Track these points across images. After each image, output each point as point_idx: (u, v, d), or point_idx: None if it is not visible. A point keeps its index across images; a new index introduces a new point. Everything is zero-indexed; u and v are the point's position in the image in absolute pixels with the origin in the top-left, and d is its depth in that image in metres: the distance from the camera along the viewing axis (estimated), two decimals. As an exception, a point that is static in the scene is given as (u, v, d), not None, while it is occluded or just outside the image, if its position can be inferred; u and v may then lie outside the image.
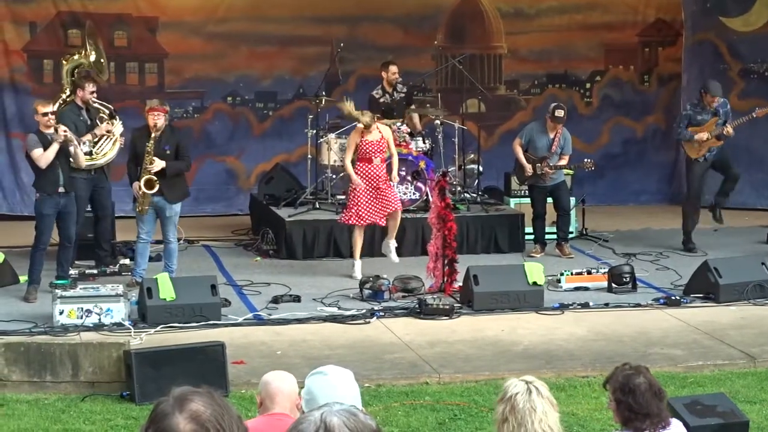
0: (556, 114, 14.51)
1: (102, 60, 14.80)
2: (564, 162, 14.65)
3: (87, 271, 13.46)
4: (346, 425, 3.07)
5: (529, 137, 14.72)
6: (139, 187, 12.64)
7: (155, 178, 12.63)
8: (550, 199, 14.83)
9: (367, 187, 13.36)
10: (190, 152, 13.21)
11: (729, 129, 14.83)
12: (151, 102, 13.02)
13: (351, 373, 4.84)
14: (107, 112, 13.85)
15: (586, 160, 14.89)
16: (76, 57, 14.60)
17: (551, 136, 14.58)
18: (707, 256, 14.03)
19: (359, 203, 13.35)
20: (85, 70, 14.35)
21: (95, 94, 13.71)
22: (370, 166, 13.40)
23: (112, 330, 11.28)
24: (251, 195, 16.68)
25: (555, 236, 14.82)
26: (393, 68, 15.58)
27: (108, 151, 13.58)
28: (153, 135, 12.65)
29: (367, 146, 13.39)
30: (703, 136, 14.81)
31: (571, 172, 15.23)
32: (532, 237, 14.86)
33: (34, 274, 12.62)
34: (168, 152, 12.74)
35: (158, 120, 12.70)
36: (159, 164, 12.67)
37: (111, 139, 13.60)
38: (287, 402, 5.65)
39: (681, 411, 8.07)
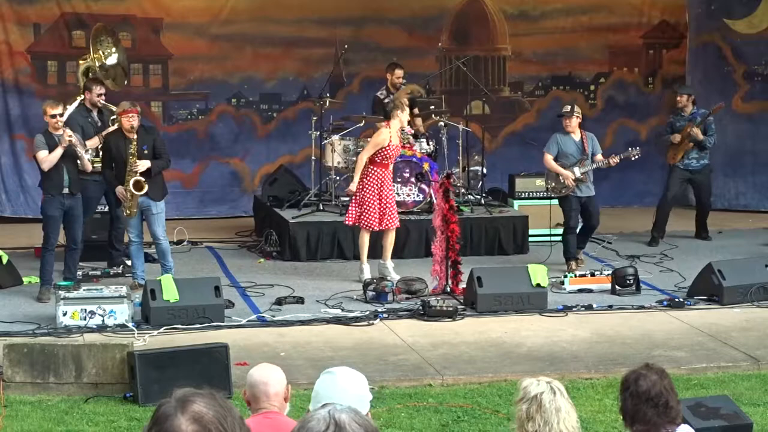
0: (563, 110, 14.13)
1: (122, 65, 14.76)
2: (599, 158, 13.98)
3: (90, 273, 13.48)
4: (355, 421, 3.08)
5: (557, 147, 14.05)
6: (127, 191, 12.62)
7: (143, 179, 12.63)
8: None
9: (377, 193, 13.11)
10: (166, 148, 13.16)
11: (695, 129, 15.27)
12: (122, 105, 12.88)
13: (361, 375, 4.82)
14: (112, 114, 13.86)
15: (630, 148, 14.29)
16: (91, 59, 14.55)
17: (576, 138, 14.05)
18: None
19: (371, 207, 13.11)
20: (95, 72, 14.35)
21: (103, 97, 13.70)
22: (386, 172, 13.14)
23: (115, 331, 11.28)
24: (255, 196, 16.68)
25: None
26: (399, 72, 15.61)
27: None
28: (134, 137, 12.63)
29: (393, 151, 13.12)
30: (677, 137, 15.38)
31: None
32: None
33: (46, 274, 12.67)
34: (146, 152, 12.73)
35: (133, 121, 12.66)
36: (144, 164, 12.65)
37: None
38: (275, 400, 5.61)
39: (684, 413, 8.05)
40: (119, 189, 12.69)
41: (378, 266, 13.41)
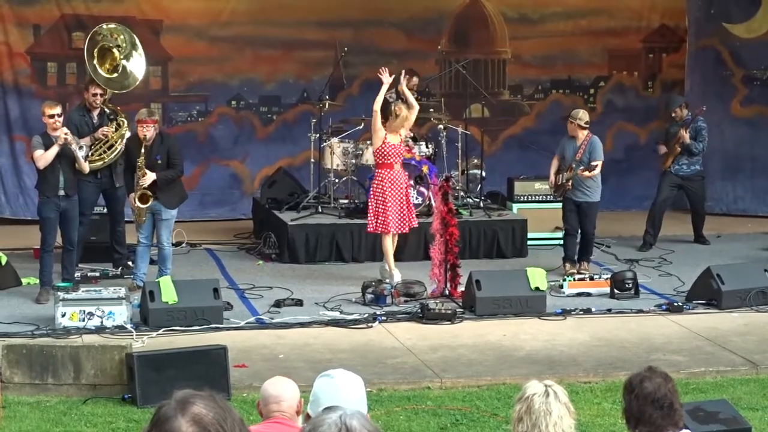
0: (571, 113, 14.10)
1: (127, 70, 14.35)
2: (596, 166, 13.68)
3: (89, 274, 13.48)
4: (365, 427, 3.08)
5: (562, 148, 14.05)
6: (134, 201, 12.67)
7: (149, 192, 12.63)
8: None
9: (394, 194, 13.11)
10: (180, 157, 13.13)
11: (681, 131, 15.38)
12: (140, 113, 12.84)
13: (359, 378, 4.83)
14: (112, 116, 13.78)
15: (580, 168, 13.90)
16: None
17: (577, 143, 13.89)
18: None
19: (387, 211, 13.07)
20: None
21: (98, 98, 13.58)
22: (392, 172, 13.11)
23: (114, 333, 11.29)
24: (254, 199, 16.68)
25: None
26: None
27: (104, 155, 13.47)
28: (143, 148, 12.62)
29: (389, 149, 13.08)
30: (662, 148, 15.66)
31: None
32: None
33: (45, 276, 12.68)
34: (159, 162, 12.73)
35: (147, 132, 12.64)
36: (150, 177, 12.64)
37: (107, 143, 13.50)
38: (287, 409, 5.62)
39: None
40: (130, 197, 12.79)
41: (380, 269, 13.39)
